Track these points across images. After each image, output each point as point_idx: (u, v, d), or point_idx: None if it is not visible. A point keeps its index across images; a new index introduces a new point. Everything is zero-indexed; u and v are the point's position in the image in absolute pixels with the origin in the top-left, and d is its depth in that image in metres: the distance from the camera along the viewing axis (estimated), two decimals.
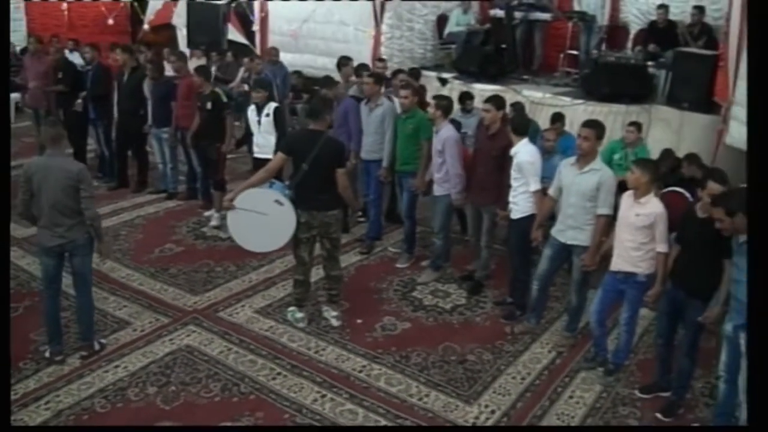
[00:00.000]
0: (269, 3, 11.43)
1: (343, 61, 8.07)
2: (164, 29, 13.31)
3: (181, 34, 12.61)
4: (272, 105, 6.81)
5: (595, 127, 4.93)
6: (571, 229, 4.99)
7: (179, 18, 12.60)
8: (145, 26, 13.47)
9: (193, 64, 11.48)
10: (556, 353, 5.18)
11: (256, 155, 6.96)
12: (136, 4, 13.78)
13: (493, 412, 4.50)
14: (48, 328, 4.80)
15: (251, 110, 6.88)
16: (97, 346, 4.93)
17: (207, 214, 7.54)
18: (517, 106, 7.42)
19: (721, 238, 4.06)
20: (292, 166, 5.16)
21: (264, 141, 6.76)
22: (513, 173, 5.39)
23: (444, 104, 6.01)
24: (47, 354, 4.80)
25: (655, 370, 4.73)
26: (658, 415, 4.47)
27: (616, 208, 4.82)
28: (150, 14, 13.38)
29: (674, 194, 5.96)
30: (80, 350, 4.88)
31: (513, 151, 5.39)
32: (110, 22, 13.12)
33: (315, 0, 10.73)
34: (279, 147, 5.21)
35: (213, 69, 10.84)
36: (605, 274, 4.76)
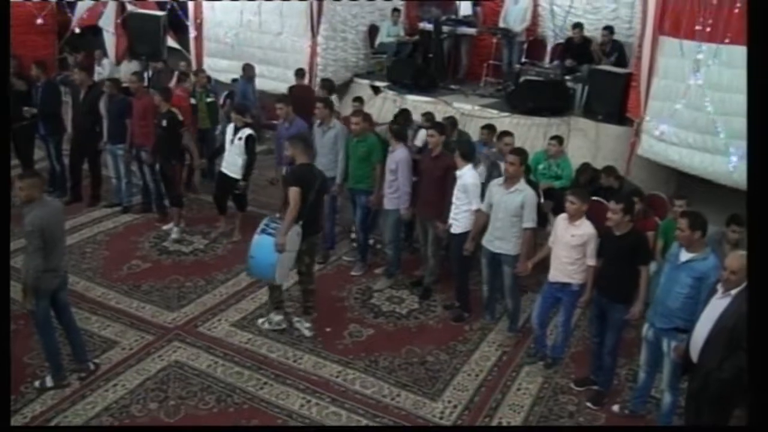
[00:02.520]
0: (206, 10, 11.63)
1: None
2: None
3: (108, 36, 12.63)
4: (247, 132, 7.33)
5: (520, 154, 5.81)
6: (498, 240, 5.85)
7: (107, 20, 12.59)
8: (74, 27, 13.30)
9: (124, 68, 11.68)
10: (501, 351, 5.97)
11: (223, 170, 7.57)
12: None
13: (455, 406, 5.23)
14: (52, 363, 5.10)
15: (230, 128, 7.46)
16: (92, 367, 5.31)
17: (165, 228, 7.88)
18: (450, 120, 8.13)
19: (637, 250, 5.01)
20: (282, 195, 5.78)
21: (232, 160, 7.36)
22: (458, 193, 6.12)
23: (396, 129, 6.72)
24: (49, 384, 5.08)
25: (590, 365, 5.56)
26: (588, 404, 5.31)
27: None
28: (79, 15, 13.22)
29: (594, 203, 6.88)
30: (77, 372, 5.24)
31: (459, 173, 6.11)
32: (39, 21, 12.86)
33: (252, 1, 11.02)
34: (294, 183, 5.53)
35: (146, 75, 11.07)
36: (544, 284, 5.58)
